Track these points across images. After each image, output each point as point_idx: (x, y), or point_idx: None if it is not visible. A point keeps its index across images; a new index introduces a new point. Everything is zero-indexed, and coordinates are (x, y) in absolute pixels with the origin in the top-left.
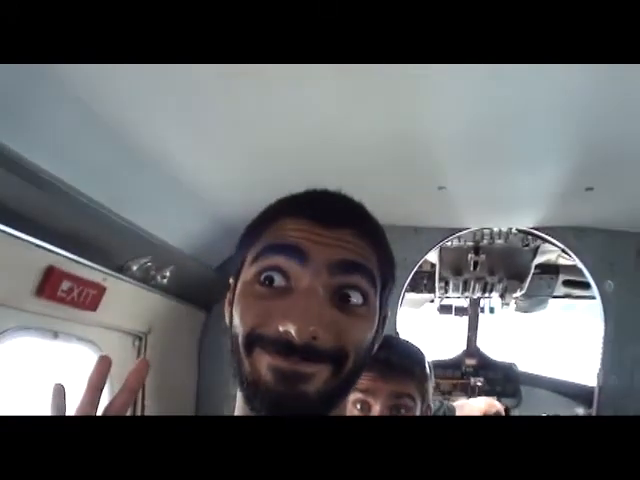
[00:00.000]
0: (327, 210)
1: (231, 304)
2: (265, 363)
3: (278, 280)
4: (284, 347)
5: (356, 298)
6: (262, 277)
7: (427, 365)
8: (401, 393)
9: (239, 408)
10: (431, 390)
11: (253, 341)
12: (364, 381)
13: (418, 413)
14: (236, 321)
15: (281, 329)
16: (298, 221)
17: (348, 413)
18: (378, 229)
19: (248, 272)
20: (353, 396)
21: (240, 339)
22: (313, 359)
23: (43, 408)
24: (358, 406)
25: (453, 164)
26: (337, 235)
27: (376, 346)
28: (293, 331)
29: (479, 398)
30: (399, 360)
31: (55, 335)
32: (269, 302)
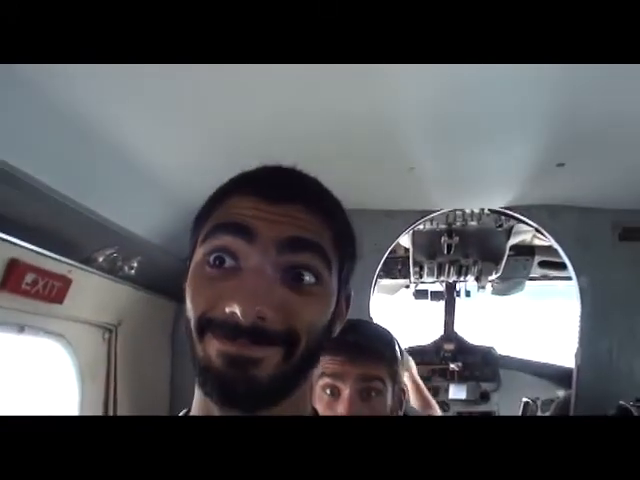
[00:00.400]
0: (276, 185)
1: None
2: (214, 348)
3: (228, 261)
4: (231, 330)
5: (309, 277)
6: (211, 258)
7: (397, 347)
8: (370, 376)
9: (197, 394)
10: (403, 372)
11: (204, 325)
12: (332, 365)
13: (389, 396)
14: (188, 305)
15: (227, 310)
16: (246, 198)
17: (318, 399)
18: (333, 204)
19: (198, 253)
20: (322, 381)
21: (192, 324)
22: (262, 341)
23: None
24: (328, 391)
25: (421, 144)
26: (287, 211)
27: (337, 329)
28: (239, 312)
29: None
30: (367, 342)
31: (21, 329)
32: (218, 284)
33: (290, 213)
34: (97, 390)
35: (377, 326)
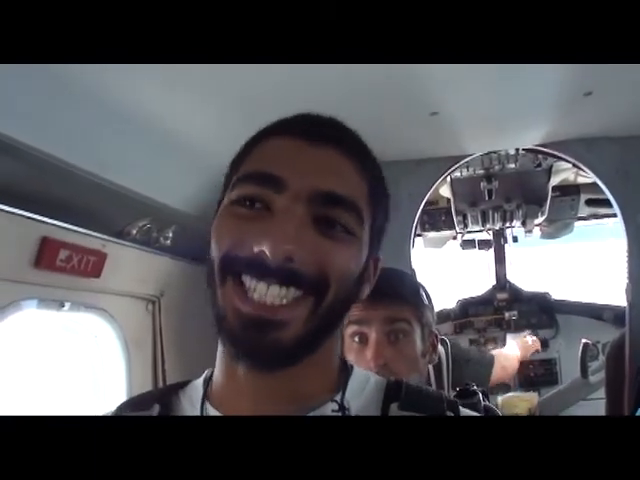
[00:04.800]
0: (313, 126)
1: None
2: (231, 306)
3: (257, 204)
4: (258, 269)
5: (341, 228)
6: (242, 200)
7: (422, 291)
8: (396, 318)
9: (219, 347)
10: (432, 317)
11: (227, 265)
12: (356, 312)
13: (418, 338)
14: (213, 245)
15: (256, 250)
16: (281, 139)
17: (347, 349)
18: (370, 156)
19: (228, 197)
20: (349, 329)
21: (215, 265)
22: (289, 282)
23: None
24: (356, 339)
25: (444, 86)
26: (322, 156)
27: (365, 291)
28: (267, 250)
29: (510, 343)
30: (389, 286)
31: (61, 305)
32: (247, 224)
33: (325, 158)
34: (144, 362)
35: (398, 271)
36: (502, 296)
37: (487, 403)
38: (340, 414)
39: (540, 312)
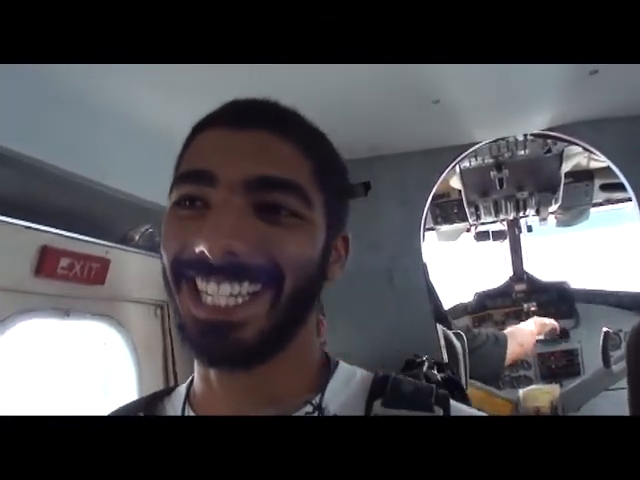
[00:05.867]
0: (239, 112)
1: None
2: (188, 313)
3: (197, 202)
4: (203, 270)
5: (286, 212)
6: (181, 200)
7: None
8: None
9: None
10: None
11: (177, 271)
12: None
13: None
14: (162, 251)
15: (197, 250)
16: (208, 133)
17: None
18: (311, 132)
19: (169, 200)
20: None
21: (168, 272)
22: (238, 278)
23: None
24: None
25: (443, 72)
26: (252, 140)
27: (336, 273)
28: (206, 249)
29: (528, 320)
30: None
31: (66, 313)
32: (188, 224)
33: (256, 143)
34: (155, 367)
35: None
36: (520, 287)
37: (429, 371)
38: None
39: (559, 302)
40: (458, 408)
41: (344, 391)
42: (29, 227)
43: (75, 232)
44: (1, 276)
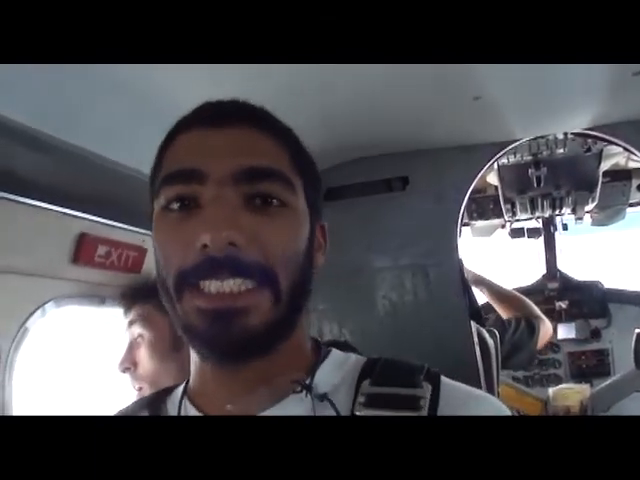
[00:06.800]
0: (215, 111)
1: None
2: (194, 308)
3: (187, 203)
4: (209, 268)
5: (275, 202)
6: (171, 204)
7: None
8: None
9: (192, 355)
10: None
11: (182, 280)
12: None
13: None
14: (160, 260)
15: (198, 245)
16: (189, 135)
17: None
18: (283, 126)
19: (157, 204)
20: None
21: (170, 282)
22: (239, 274)
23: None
24: None
25: (486, 69)
26: (236, 136)
27: (320, 261)
28: (208, 242)
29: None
30: None
31: (102, 301)
32: (183, 225)
33: (238, 137)
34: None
35: None
36: (553, 285)
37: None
38: (304, 396)
39: (592, 301)
40: (449, 386)
41: (336, 373)
42: (67, 214)
43: (113, 220)
44: (39, 263)
